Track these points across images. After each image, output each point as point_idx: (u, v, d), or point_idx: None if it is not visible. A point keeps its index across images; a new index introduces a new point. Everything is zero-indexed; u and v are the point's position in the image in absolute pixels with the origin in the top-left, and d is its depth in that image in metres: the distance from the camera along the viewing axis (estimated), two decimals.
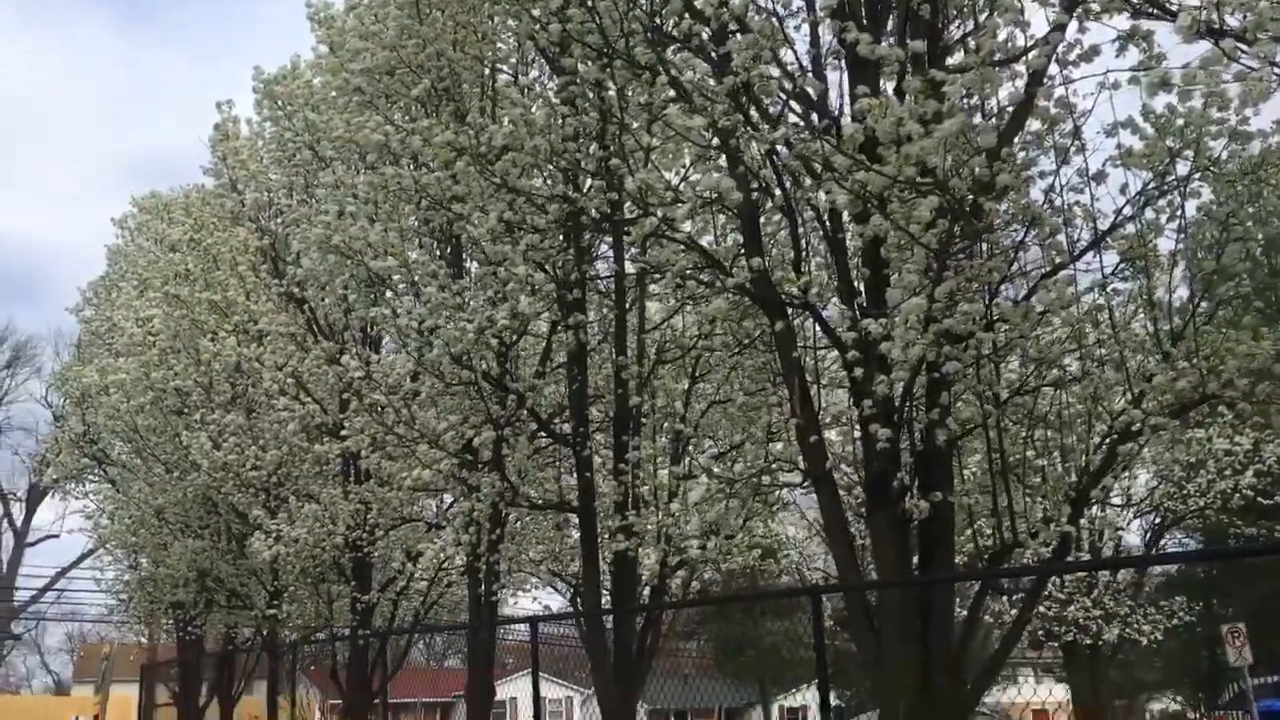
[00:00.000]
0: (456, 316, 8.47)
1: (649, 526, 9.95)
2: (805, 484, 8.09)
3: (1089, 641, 22.48)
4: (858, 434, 8.09)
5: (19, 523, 54.72)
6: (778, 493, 8.54)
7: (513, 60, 10.67)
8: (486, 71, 10.36)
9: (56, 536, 54.02)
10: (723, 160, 7.27)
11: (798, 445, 7.65)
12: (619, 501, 9.92)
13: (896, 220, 5.36)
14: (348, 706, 15.27)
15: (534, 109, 9.09)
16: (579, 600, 28.81)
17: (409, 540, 14.45)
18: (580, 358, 10.24)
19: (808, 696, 51.03)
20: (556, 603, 19.36)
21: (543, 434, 10.14)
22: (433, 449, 8.97)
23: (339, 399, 13.36)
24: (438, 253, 10.89)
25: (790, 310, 7.71)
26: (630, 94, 8.20)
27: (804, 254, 7.16)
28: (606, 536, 9.90)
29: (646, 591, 11.18)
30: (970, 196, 5.21)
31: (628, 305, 10.45)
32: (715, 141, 6.51)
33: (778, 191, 7.29)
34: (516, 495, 9.58)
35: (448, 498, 15.01)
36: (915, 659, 6.90)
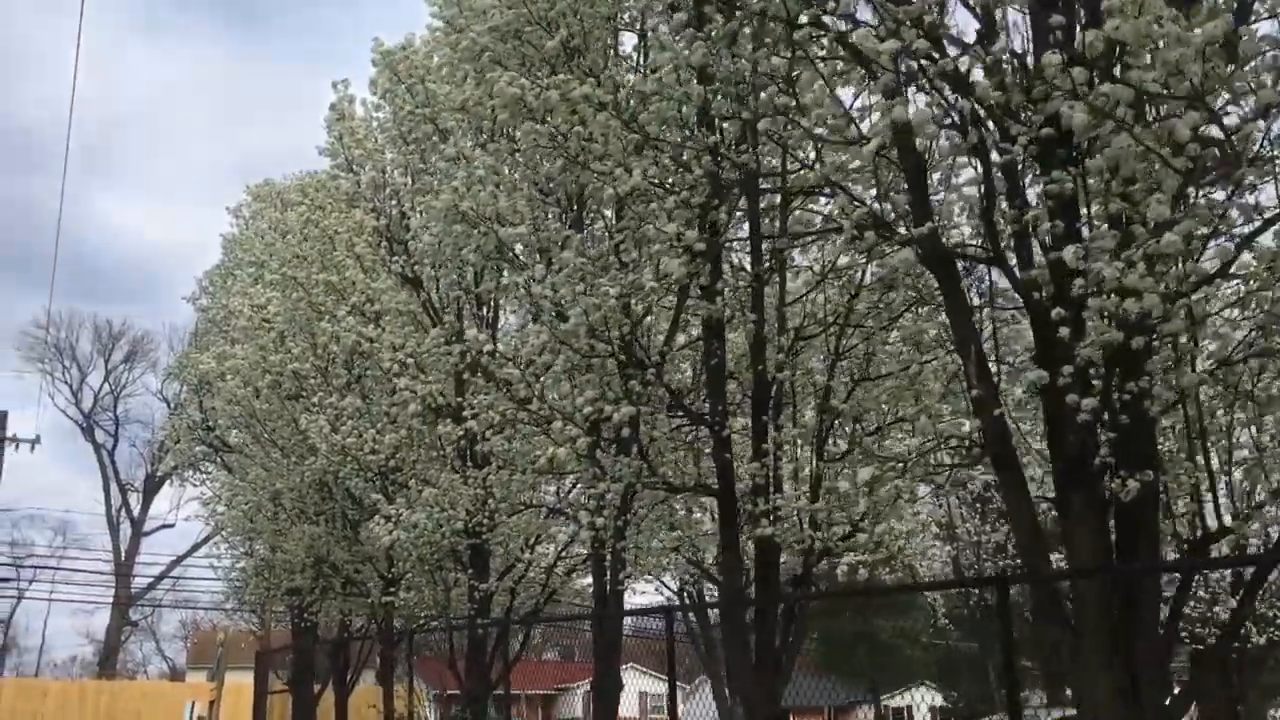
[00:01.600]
0: (595, 283, 7.92)
1: (793, 511, 9.28)
2: (981, 464, 7.34)
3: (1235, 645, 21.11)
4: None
5: (136, 512, 56.35)
6: (948, 474, 7.81)
7: (645, 16, 10.07)
8: (618, 29, 9.80)
9: (172, 525, 55.44)
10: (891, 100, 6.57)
11: (977, 420, 6.91)
12: (759, 485, 9.29)
13: (1144, 139, 4.60)
14: (466, 697, 14.90)
15: (669, 66, 8.48)
16: (685, 594, 28.31)
17: (530, 526, 14.00)
18: (718, 329, 9.60)
19: (915, 696, 49.79)
20: (645, 597, 18.73)
21: (678, 412, 9.52)
22: (567, 426, 8.42)
23: (456, 379, 12.99)
24: (566, 219, 10.37)
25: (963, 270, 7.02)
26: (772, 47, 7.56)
27: (991, 202, 6.39)
28: (746, 522, 9.28)
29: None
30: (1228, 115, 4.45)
31: (766, 275, 9.78)
32: (902, 69, 5.79)
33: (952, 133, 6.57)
34: (655, 476, 8.99)
35: (567, 482, 14.58)
36: (1119, 658, 6.13)
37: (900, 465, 7.42)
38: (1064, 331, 5.88)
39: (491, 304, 13.50)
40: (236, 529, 20.08)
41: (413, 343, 13.26)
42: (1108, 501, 6.23)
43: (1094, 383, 6.19)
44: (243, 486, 18.91)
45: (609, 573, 12.16)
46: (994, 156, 6.67)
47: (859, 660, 41.28)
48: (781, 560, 9.56)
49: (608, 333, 8.33)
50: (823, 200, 8.89)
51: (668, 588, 27.48)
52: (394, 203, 15.92)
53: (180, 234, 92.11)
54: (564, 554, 15.24)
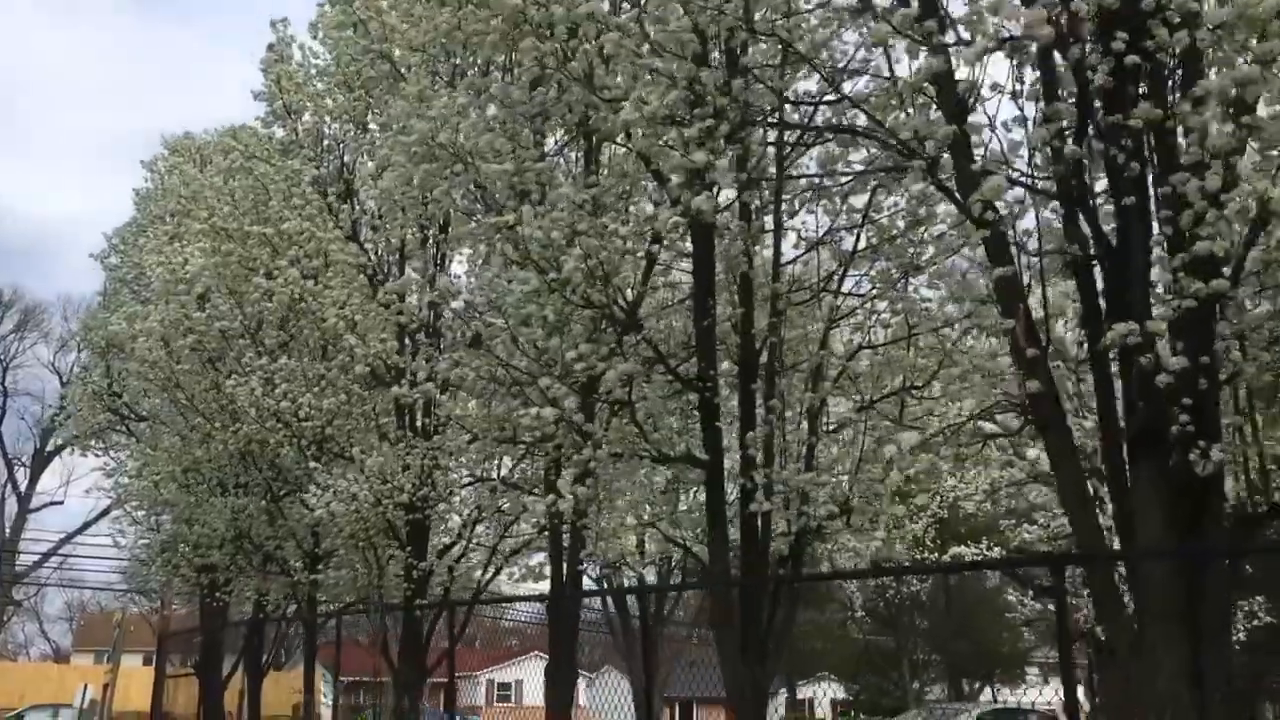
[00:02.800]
0: (598, 223, 7.12)
1: (786, 487, 8.61)
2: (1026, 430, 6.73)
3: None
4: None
5: (23, 488, 53.66)
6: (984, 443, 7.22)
7: None
8: None
9: (60, 503, 53.01)
10: None
11: (1020, 384, 6.29)
12: (749, 457, 8.59)
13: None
14: (399, 682, 13.96)
15: None
16: (607, 580, 27.50)
17: (481, 500, 13.12)
18: (708, 284, 8.86)
19: (818, 689, 49.85)
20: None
21: (664, 374, 8.74)
22: (553, 385, 7.60)
23: (400, 339, 12.06)
24: (560, 154, 9.54)
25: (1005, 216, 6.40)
26: None
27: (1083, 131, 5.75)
28: (738, 497, 8.58)
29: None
30: None
31: (757, 233, 9.07)
32: None
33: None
34: (649, 444, 8.22)
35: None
36: (1186, 646, 5.58)
37: (948, 432, 6.78)
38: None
39: (438, 258, 12.50)
40: (145, 501, 18.72)
41: (357, 299, 12.28)
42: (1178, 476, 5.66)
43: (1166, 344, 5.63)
44: (154, 456, 17.64)
45: (567, 552, 11.38)
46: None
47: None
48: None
49: (606, 282, 7.53)
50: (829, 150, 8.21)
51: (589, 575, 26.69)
52: (335, 153, 14.89)
53: (73, 205, 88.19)
54: (507, 532, 14.40)
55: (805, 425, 9.18)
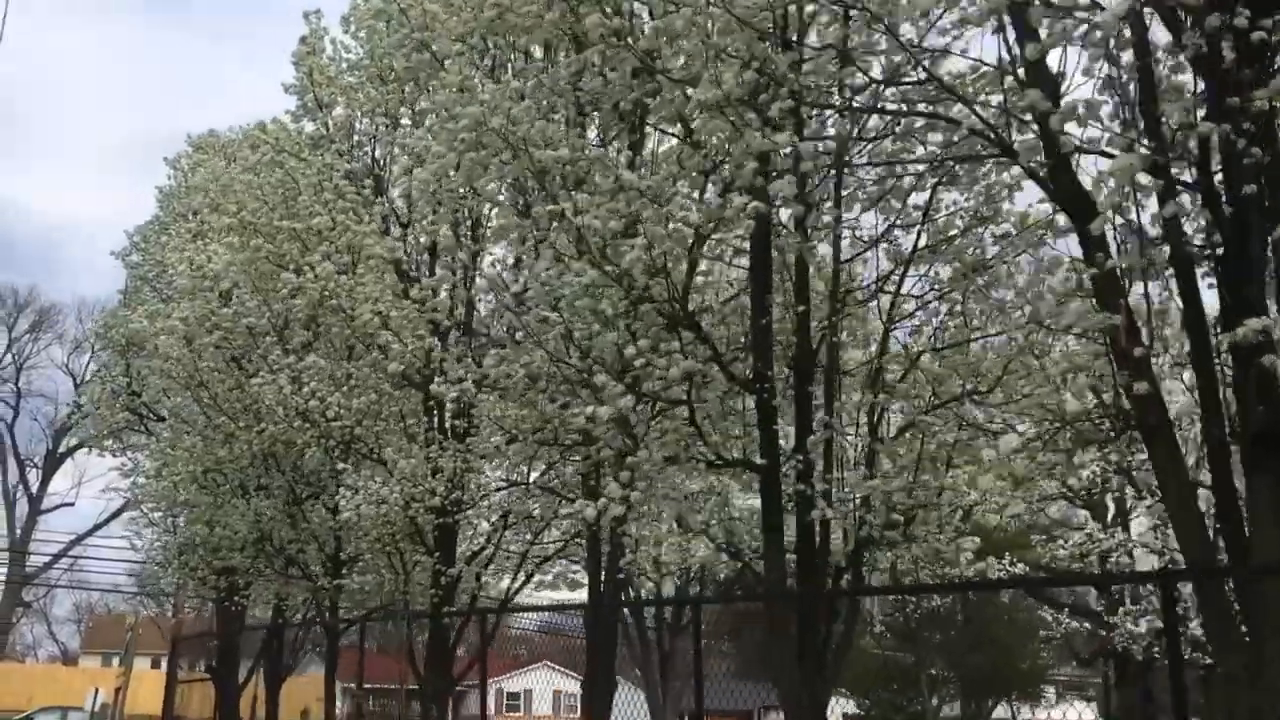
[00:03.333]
0: (659, 212, 6.73)
1: (848, 494, 8.21)
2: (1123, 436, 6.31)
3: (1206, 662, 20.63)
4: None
5: (35, 489, 53.45)
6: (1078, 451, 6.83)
7: None
8: None
9: (72, 504, 52.76)
10: None
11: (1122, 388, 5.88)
12: (807, 463, 8.20)
13: None
14: (426, 691, 13.57)
15: None
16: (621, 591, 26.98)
17: (514, 504, 12.74)
18: (766, 280, 8.47)
19: (830, 703, 49.16)
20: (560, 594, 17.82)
21: (720, 373, 8.34)
22: (610, 383, 7.21)
23: (438, 338, 11.69)
24: (617, 141, 9.15)
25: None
26: None
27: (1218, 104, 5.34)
28: (796, 504, 8.18)
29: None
30: None
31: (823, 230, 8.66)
32: None
33: None
34: (707, 446, 7.82)
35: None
36: None
37: (1046, 437, 6.37)
38: None
39: (473, 255, 12.11)
40: (162, 503, 18.35)
41: (390, 296, 11.92)
42: None
43: None
44: (174, 456, 17.27)
45: (606, 559, 11.00)
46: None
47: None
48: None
49: (668, 275, 7.14)
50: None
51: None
52: (368, 148, 14.57)
53: (90, 208, 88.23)
54: (537, 539, 14.02)
55: (863, 430, 8.79)
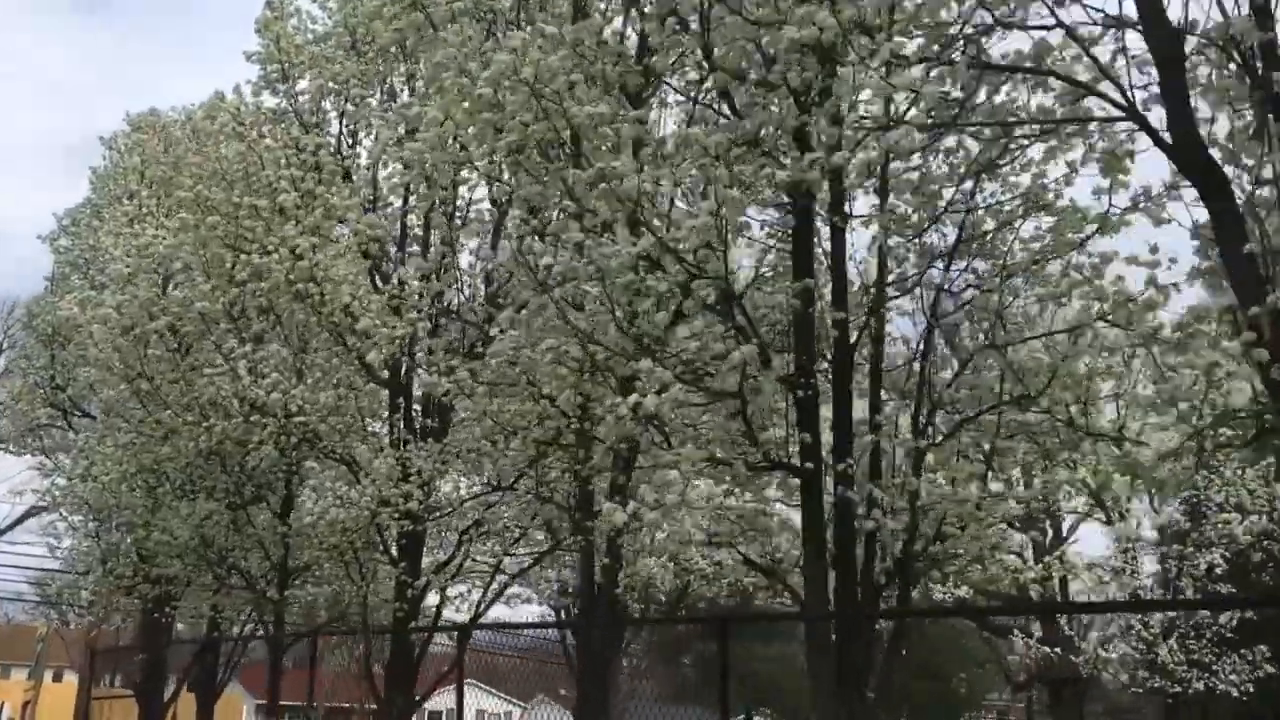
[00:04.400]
0: (730, 175, 5.90)
1: (893, 501, 7.44)
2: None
3: (1175, 690, 20.28)
4: None
5: None
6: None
7: None
8: None
9: None
10: None
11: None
12: (846, 470, 7.42)
13: None
14: (385, 713, 12.47)
15: None
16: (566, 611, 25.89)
17: (481, 512, 11.74)
18: (808, 264, 7.69)
19: None
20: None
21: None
22: (658, 369, 6.34)
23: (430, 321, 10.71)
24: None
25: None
26: None
27: None
28: (838, 513, 7.38)
29: None
30: None
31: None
32: None
33: None
34: (756, 445, 6.96)
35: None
36: None
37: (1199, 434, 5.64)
38: None
39: (453, 235, 11.12)
40: (88, 506, 16.94)
41: (364, 281, 10.90)
42: None
43: None
44: (106, 454, 15.92)
45: (592, 571, 10.08)
46: None
47: (736, 687, 39.62)
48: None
49: (726, 250, 6.31)
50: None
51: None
52: (335, 126, 13.56)
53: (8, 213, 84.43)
54: (512, 548, 13.04)
55: (905, 434, 8.03)
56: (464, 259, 11.57)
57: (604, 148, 6.76)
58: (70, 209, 21.95)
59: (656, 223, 6.32)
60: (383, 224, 11.09)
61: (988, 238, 8.35)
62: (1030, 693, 39.67)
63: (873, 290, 8.19)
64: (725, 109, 7.51)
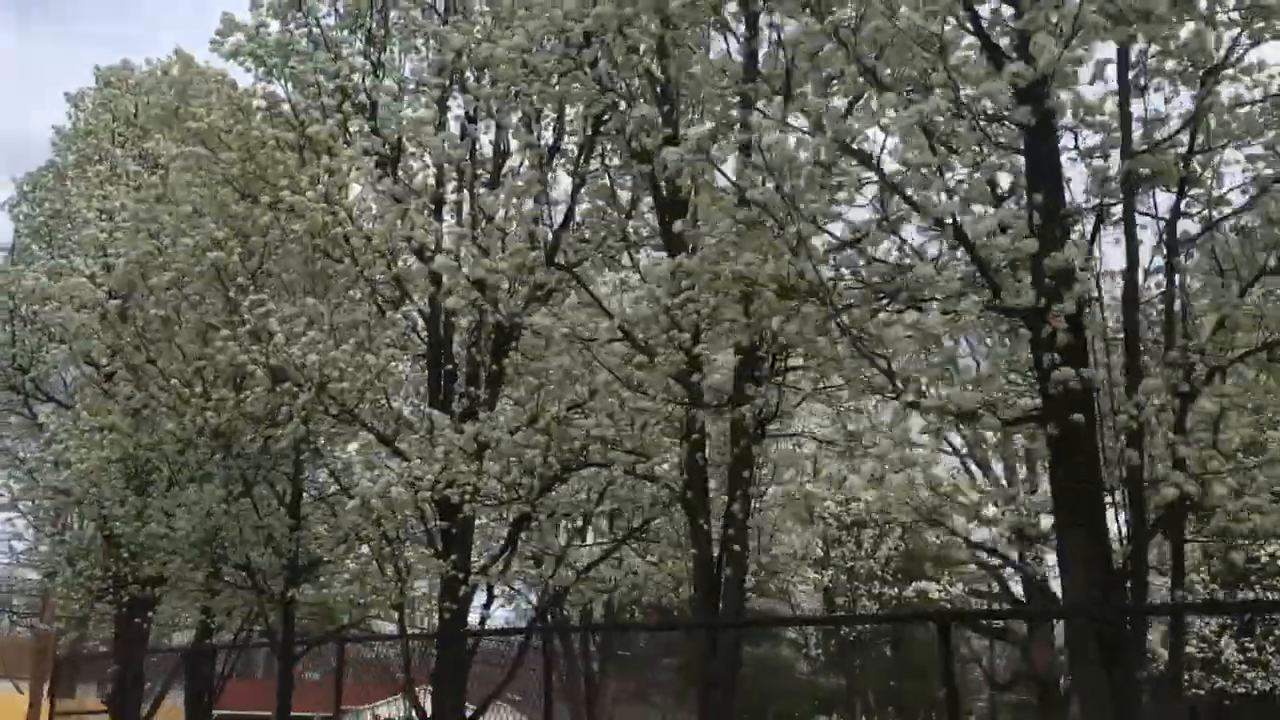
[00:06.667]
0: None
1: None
2: None
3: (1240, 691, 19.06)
4: None
5: None
6: None
7: None
8: None
9: None
10: None
11: None
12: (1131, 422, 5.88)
13: None
14: None
15: None
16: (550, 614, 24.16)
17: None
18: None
19: None
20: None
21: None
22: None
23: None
24: None
25: None
26: None
27: None
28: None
29: None
30: None
31: None
32: None
33: None
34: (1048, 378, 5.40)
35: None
36: None
37: None
38: None
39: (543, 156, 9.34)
40: (74, 495, 14.91)
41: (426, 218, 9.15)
42: None
43: None
44: (83, 440, 13.89)
45: (711, 561, 8.46)
46: None
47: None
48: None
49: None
50: None
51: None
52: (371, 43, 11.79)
53: None
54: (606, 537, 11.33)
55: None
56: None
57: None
58: (31, 173, 19.82)
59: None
60: (459, 144, 9.29)
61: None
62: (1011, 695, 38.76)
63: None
64: None
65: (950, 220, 4.99)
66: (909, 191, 5.37)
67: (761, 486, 8.93)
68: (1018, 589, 28.56)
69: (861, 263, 5.27)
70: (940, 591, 29.36)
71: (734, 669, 8.20)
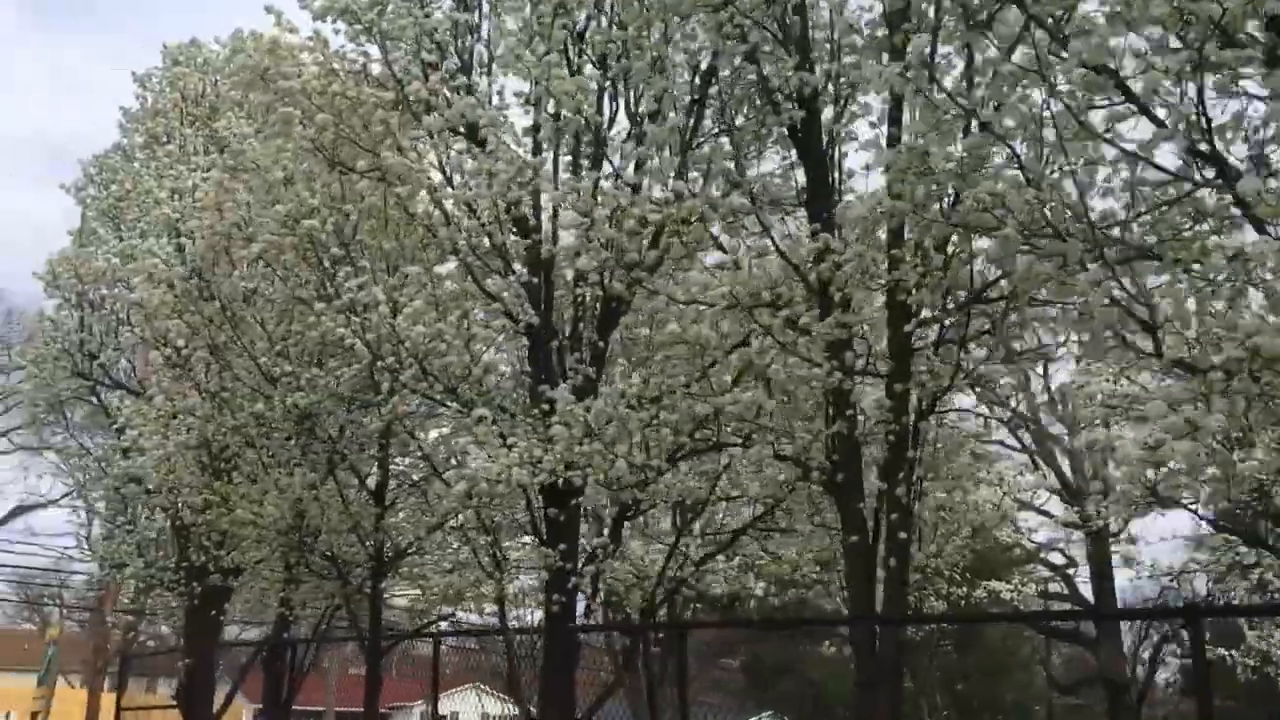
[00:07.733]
0: None
1: None
2: None
3: None
4: None
5: None
6: None
7: None
8: None
9: None
10: None
11: None
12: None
13: None
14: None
15: None
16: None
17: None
18: None
19: None
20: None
21: None
22: None
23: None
24: None
25: None
26: None
27: None
28: None
29: None
30: None
31: None
32: None
33: None
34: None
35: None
36: None
37: None
38: None
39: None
40: (152, 484, 14.33)
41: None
42: None
43: None
44: (161, 426, 13.24)
45: (867, 552, 7.69)
46: None
47: (788, 691, 37.32)
48: None
49: None
50: None
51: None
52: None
53: None
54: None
55: None
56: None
57: None
58: (99, 155, 19.36)
59: None
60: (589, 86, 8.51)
61: None
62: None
63: None
64: None
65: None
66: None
67: (924, 471, 8.06)
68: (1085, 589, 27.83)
69: (1142, 187, 4.43)
70: (1012, 592, 28.44)
71: (896, 671, 7.42)
